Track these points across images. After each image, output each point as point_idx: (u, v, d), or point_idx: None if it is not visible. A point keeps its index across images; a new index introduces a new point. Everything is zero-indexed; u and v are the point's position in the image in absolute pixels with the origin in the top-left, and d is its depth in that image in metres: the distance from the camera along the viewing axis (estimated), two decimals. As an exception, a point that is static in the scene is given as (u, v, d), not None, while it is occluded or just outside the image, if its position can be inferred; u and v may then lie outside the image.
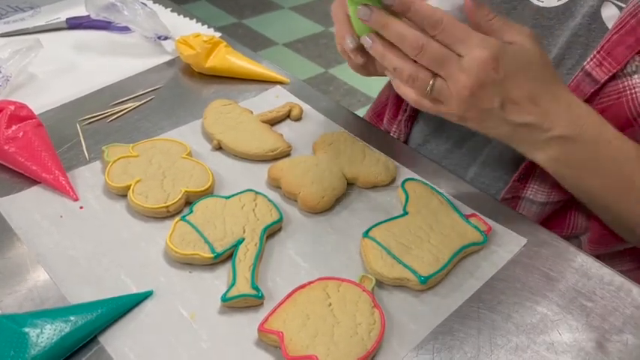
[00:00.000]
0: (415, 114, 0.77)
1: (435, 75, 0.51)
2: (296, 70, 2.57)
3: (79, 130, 0.68)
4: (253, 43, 2.60)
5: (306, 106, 0.74)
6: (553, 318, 0.51)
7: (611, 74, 0.56)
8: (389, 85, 0.87)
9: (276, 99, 0.76)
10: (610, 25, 0.58)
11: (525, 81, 0.51)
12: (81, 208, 0.58)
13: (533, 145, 0.56)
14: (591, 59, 0.57)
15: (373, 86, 2.52)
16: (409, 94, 0.53)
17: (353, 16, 0.53)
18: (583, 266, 0.56)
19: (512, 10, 0.64)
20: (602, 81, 0.57)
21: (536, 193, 0.66)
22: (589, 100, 0.58)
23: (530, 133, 0.54)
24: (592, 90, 0.57)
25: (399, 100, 0.78)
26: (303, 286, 0.50)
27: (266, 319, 0.47)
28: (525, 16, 0.63)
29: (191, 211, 0.56)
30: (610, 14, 0.58)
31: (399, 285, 0.53)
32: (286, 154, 0.66)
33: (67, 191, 0.59)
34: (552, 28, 0.62)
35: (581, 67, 0.58)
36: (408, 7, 0.49)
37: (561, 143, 0.54)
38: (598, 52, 0.57)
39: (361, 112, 0.75)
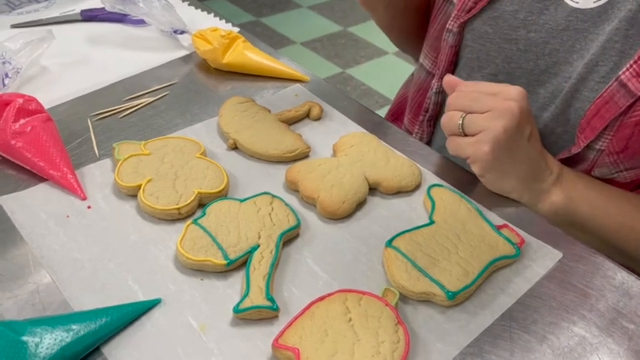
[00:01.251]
0: (437, 114, 0.73)
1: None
2: (313, 70, 2.53)
3: (90, 126, 0.65)
4: (271, 41, 2.57)
5: (326, 106, 0.71)
6: (592, 341, 0.47)
7: None
8: (406, 84, 0.84)
9: (295, 97, 0.72)
10: None
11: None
12: (89, 207, 0.55)
13: (541, 193, 0.58)
14: (627, 69, 0.54)
15: (392, 87, 2.48)
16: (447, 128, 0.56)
17: None
18: (624, 284, 0.52)
19: (544, 10, 0.60)
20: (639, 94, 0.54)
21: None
22: (623, 113, 0.55)
23: (539, 172, 0.57)
24: (628, 103, 0.55)
25: (420, 98, 0.75)
26: (321, 299, 0.47)
27: (281, 334, 0.44)
28: (558, 17, 0.60)
29: (204, 214, 0.53)
30: None
31: (425, 300, 0.49)
32: (305, 156, 0.63)
33: (75, 190, 0.56)
34: (586, 32, 0.58)
35: (616, 76, 0.55)
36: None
37: (559, 185, 0.57)
38: (635, 62, 0.54)
39: (380, 113, 0.72)
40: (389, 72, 2.43)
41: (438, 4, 0.69)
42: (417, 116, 0.74)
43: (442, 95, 0.71)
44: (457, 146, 0.55)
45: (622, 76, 0.54)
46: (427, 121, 0.73)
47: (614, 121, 0.57)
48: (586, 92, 0.58)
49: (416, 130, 0.75)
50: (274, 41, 2.58)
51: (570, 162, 0.61)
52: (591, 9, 0.57)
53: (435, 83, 0.70)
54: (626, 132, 0.56)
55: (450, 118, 0.55)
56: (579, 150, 0.59)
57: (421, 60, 0.74)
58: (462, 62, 0.67)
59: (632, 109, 0.55)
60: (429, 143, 0.75)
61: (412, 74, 0.83)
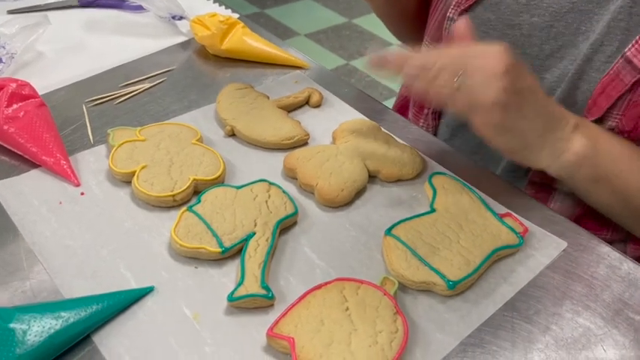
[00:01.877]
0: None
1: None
2: (317, 62, 2.51)
3: (85, 112, 0.64)
4: (275, 33, 2.52)
5: (326, 93, 0.69)
6: (597, 332, 0.46)
7: None
8: None
9: (295, 84, 0.71)
10: None
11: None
12: (82, 194, 0.54)
13: (560, 141, 0.52)
14: (633, 45, 0.53)
15: (396, 79, 2.46)
16: (438, 97, 0.50)
17: None
18: (630, 274, 0.50)
19: None
20: None
21: None
22: (630, 89, 0.53)
23: (554, 122, 0.52)
24: (633, 80, 0.53)
25: None
26: (317, 287, 0.45)
27: (276, 323, 0.43)
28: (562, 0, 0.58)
29: (199, 201, 0.52)
30: None
31: (425, 289, 0.48)
32: (303, 143, 0.62)
33: (68, 176, 0.55)
34: (591, 12, 0.57)
35: (622, 53, 0.53)
36: (404, 62, 0.49)
37: (580, 132, 0.52)
38: None
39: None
40: (393, 64, 2.40)
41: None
42: (422, 109, 0.73)
43: None
44: (462, 106, 0.49)
45: (627, 53, 0.53)
46: (432, 114, 0.72)
47: (621, 100, 0.55)
48: (592, 73, 0.56)
49: (421, 124, 0.73)
50: (278, 32, 2.56)
51: None
52: None
53: None
54: (636, 111, 0.54)
55: (442, 83, 0.48)
56: None
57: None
58: None
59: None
60: (434, 136, 0.73)
61: None
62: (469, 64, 0.47)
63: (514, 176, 0.66)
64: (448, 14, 0.64)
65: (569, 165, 0.53)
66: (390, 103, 0.86)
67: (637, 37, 0.52)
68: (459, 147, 0.70)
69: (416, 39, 0.76)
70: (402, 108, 0.81)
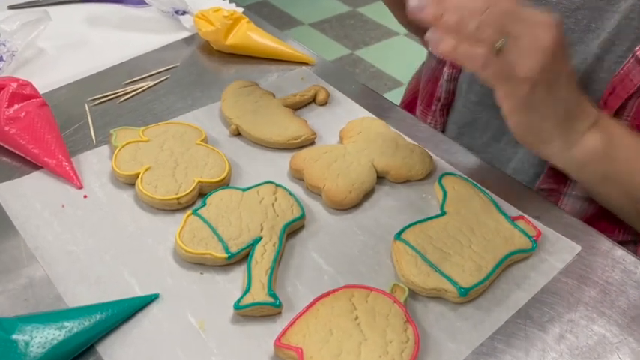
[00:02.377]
0: (450, 102, 0.70)
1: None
2: (321, 51, 2.48)
3: (87, 111, 0.63)
4: (279, 22, 2.52)
5: (333, 90, 0.68)
6: (612, 340, 0.45)
7: None
8: (418, 73, 0.81)
9: (301, 81, 0.69)
10: None
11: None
12: (85, 197, 0.53)
13: (574, 133, 0.50)
14: None
15: (402, 69, 2.43)
16: (471, 56, 0.44)
17: None
18: (647, 279, 0.49)
19: None
20: None
21: (581, 188, 0.59)
22: (639, 90, 0.51)
23: (575, 110, 0.50)
24: None
25: (431, 87, 0.72)
26: (326, 295, 0.44)
27: (284, 332, 0.42)
28: None
29: (204, 204, 0.51)
30: None
31: (436, 296, 0.46)
32: (310, 143, 0.60)
33: (71, 178, 0.54)
34: (602, 10, 0.55)
35: (633, 53, 0.52)
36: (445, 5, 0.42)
37: (597, 127, 0.50)
38: None
39: (389, 97, 0.69)
40: (399, 54, 2.37)
41: None
42: (430, 106, 0.71)
43: (454, 83, 0.68)
44: (493, 73, 0.45)
45: (638, 52, 0.51)
46: (440, 111, 0.70)
47: (631, 101, 0.53)
48: (602, 74, 0.55)
49: (429, 121, 0.72)
50: (282, 22, 2.53)
51: None
52: None
53: (446, 70, 0.67)
54: None
55: (481, 39, 0.43)
56: None
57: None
58: None
59: None
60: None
61: (423, 64, 0.79)
62: (518, 27, 0.43)
63: (523, 178, 0.64)
64: None
65: (577, 160, 0.51)
66: (395, 93, 0.84)
67: None
68: (467, 145, 0.69)
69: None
70: (409, 105, 0.80)
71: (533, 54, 0.44)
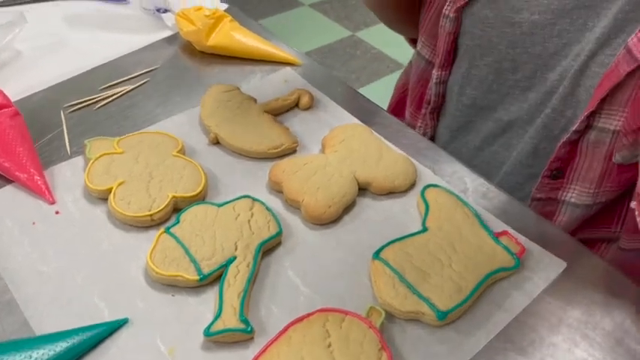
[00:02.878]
0: (439, 105, 0.68)
1: None
2: (321, 33, 2.44)
3: (63, 119, 0.61)
4: (279, 4, 2.48)
5: (318, 93, 0.66)
6: (594, 365, 0.43)
7: None
8: (406, 72, 0.78)
9: (284, 84, 0.67)
10: None
11: None
12: (57, 212, 0.52)
13: None
14: (636, 34, 0.48)
15: (403, 52, 2.38)
16: None
17: None
18: (633, 298, 0.47)
19: None
20: None
21: (579, 195, 0.57)
22: (624, 82, 0.49)
23: None
24: (629, 69, 0.48)
25: (421, 89, 0.69)
26: (299, 319, 0.43)
27: (254, 362, 0.41)
28: None
29: (177, 222, 0.49)
30: None
31: (413, 319, 0.45)
32: (292, 151, 0.59)
33: (43, 193, 0.52)
34: (598, 7, 0.52)
35: (625, 44, 0.49)
36: None
37: None
38: None
39: (390, 80, 0.67)
40: (401, 36, 2.33)
41: None
42: (419, 109, 0.69)
43: (444, 86, 0.65)
44: None
45: (629, 42, 0.49)
46: (430, 114, 0.68)
47: (620, 94, 0.50)
48: (595, 68, 0.52)
49: (419, 125, 0.70)
50: (282, 4, 2.48)
51: (587, 147, 0.55)
52: None
53: (435, 73, 0.65)
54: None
55: None
56: (579, 127, 0.54)
57: (419, 48, 0.68)
58: (462, 50, 0.61)
59: (635, 78, 0.49)
60: (432, 138, 0.70)
61: (410, 62, 0.76)
62: None
63: (517, 180, 0.63)
64: (444, 11, 0.60)
65: None
66: (396, 76, 0.81)
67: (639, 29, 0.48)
68: (459, 150, 0.67)
69: (409, 31, 0.72)
70: (399, 104, 0.77)
71: None
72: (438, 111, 0.68)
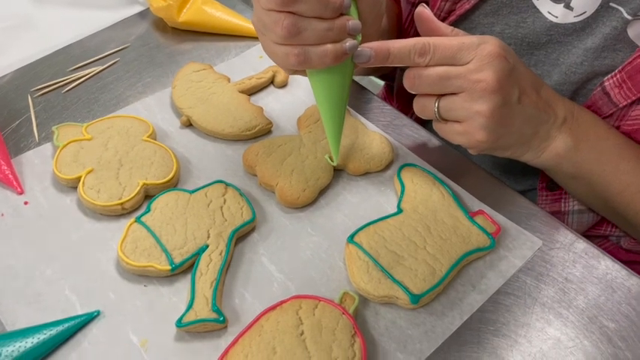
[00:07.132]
0: None
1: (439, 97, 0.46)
2: None
3: (30, 104, 0.59)
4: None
5: (293, 70, 0.64)
6: (567, 344, 0.44)
7: (630, 101, 0.50)
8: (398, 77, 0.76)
9: (259, 60, 0.65)
10: None
11: (525, 70, 0.48)
12: (25, 203, 0.51)
13: (543, 142, 0.50)
14: (612, 76, 0.50)
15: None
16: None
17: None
18: (607, 275, 0.47)
19: (521, 24, 0.55)
20: (621, 106, 0.50)
21: (580, 202, 0.57)
22: (607, 118, 0.52)
23: (540, 125, 0.49)
24: (610, 112, 0.52)
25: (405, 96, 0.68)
26: (272, 308, 0.43)
27: (225, 353, 0.40)
28: (537, 29, 0.54)
29: (148, 210, 0.49)
30: (639, 32, 0.49)
31: (388, 302, 0.45)
32: (266, 132, 0.57)
33: (10, 183, 0.51)
34: (570, 45, 0.53)
35: (600, 82, 0.51)
36: (386, 54, 0.44)
37: (566, 129, 0.50)
38: (619, 72, 0.50)
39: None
40: None
41: (408, 18, 0.62)
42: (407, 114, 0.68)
43: None
44: (445, 134, 0.48)
45: (606, 83, 0.51)
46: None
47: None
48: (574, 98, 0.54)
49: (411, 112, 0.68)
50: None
51: None
52: (573, 24, 0.52)
53: None
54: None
55: (422, 107, 0.47)
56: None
57: None
58: None
59: (618, 120, 0.52)
60: (424, 123, 0.69)
61: None
62: (451, 85, 0.45)
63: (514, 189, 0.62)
64: None
65: (549, 162, 0.51)
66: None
67: (615, 71, 0.50)
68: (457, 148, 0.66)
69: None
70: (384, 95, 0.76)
71: (474, 132, 0.45)
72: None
